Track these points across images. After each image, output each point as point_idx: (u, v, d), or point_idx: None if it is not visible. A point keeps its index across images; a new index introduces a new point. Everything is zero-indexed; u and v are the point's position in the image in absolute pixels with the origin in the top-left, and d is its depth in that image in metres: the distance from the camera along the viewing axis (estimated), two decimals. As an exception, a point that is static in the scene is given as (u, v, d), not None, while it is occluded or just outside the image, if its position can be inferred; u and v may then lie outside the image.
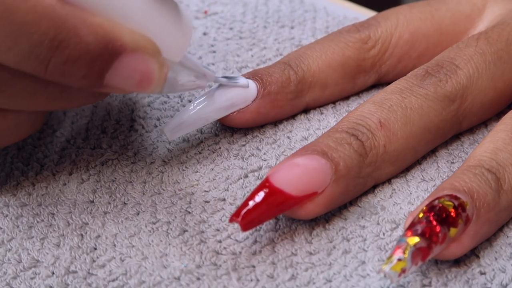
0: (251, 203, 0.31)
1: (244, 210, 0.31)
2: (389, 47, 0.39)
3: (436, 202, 0.30)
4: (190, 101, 0.40)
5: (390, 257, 0.29)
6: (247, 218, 0.31)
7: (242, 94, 0.37)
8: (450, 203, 0.30)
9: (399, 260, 0.29)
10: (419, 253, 0.29)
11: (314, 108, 0.39)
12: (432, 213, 0.30)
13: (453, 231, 0.30)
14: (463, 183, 0.31)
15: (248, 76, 0.37)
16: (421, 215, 0.30)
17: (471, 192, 0.31)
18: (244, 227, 0.31)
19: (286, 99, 0.38)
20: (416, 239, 0.29)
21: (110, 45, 0.29)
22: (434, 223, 0.30)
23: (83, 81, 0.30)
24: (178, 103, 0.40)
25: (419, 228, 0.30)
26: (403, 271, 0.29)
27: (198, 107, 0.36)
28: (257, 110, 0.37)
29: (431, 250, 0.29)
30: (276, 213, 0.32)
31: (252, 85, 0.37)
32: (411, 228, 0.30)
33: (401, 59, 0.40)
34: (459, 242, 0.30)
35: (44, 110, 0.33)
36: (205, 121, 0.37)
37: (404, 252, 0.29)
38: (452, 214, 0.30)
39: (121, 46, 0.29)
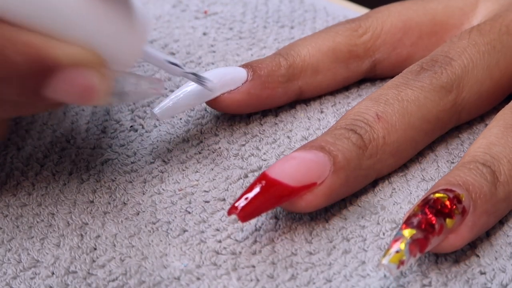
0: (249, 195, 0.31)
1: (242, 202, 0.31)
2: (381, 34, 0.40)
3: (431, 196, 0.31)
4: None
5: (387, 250, 0.29)
6: (246, 210, 0.31)
7: (232, 75, 0.37)
8: (445, 196, 0.30)
9: (397, 252, 0.29)
10: (416, 244, 0.29)
11: (310, 95, 0.40)
12: (427, 206, 0.30)
13: (449, 222, 0.30)
14: (458, 178, 0.31)
15: (240, 66, 0.38)
16: (416, 209, 0.30)
17: (466, 185, 0.31)
18: (243, 219, 0.31)
19: (277, 82, 0.38)
20: (412, 231, 0.29)
21: (41, 64, 0.28)
22: (430, 215, 0.30)
23: (19, 97, 0.29)
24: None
25: (415, 220, 0.30)
26: (402, 262, 0.29)
27: (188, 88, 0.36)
28: (247, 91, 0.37)
29: (428, 241, 0.30)
30: (275, 204, 0.32)
31: (243, 71, 0.38)
32: (406, 222, 0.30)
33: (395, 46, 0.40)
34: (457, 233, 0.30)
35: (3, 118, 0.33)
36: (196, 102, 0.37)
37: (400, 245, 0.29)
38: (447, 205, 0.30)
39: (54, 63, 0.29)
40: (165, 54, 0.36)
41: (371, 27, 0.40)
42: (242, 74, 0.37)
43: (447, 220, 0.30)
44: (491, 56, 0.37)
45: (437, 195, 0.31)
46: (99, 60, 0.30)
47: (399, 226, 0.32)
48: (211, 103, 0.37)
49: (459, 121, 0.37)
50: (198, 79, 0.36)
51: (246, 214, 0.31)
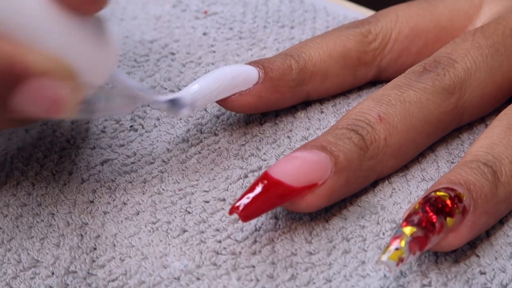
0: (250, 195, 0.31)
1: (244, 202, 0.31)
2: (389, 41, 0.40)
3: (432, 194, 0.31)
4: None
5: (387, 247, 0.29)
6: (247, 210, 0.31)
7: (244, 75, 0.37)
8: (446, 194, 0.30)
9: (397, 249, 0.29)
10: (416, 242, 0.29)
11: (316, 101, 0.39)
12: (428, 204, 0.30)
13: (450, 221, 0.30)
14: (459, 177, 0.31)
15: (249, 63, 0.38)
16: (417, 206, 0.30)
17: (468, 184, 0.31)
18: (244, 218, 0.31)
19: (287, 86, 0.38)
20: (412, 229, 0.29)
21: (11, 70, 0.28)
22: (430, 213, 0.30)
23: None
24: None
25: (415, 218, 0.30)
26: (401, 260, 0.29)
27: (199, 87, 0.36)
28: (258, 94, 0.37)
29: (428, 240, 0.30)
30: (276, 204, 0.32)
31: (254, 72, 0.37)
32: (407, 219, 0.30)
33: (401, 54, 0.40)
34: (457, 233, 0.31)
35: None
36: (206, 102, 0.36)
37: (401, 242, 0.29)
38: (448, 204, 0.30)
39: (24, 70, 0.28)
40: (136, 81, 0.35)
41: (381, 34, 0.39)
42: (253, 75, 0.37)
43: (448, 219, 0.30)
44: (494, 59, 0.37)
45: (438, 193, 0.31)
46: (70, 72, 0.29)
47: (399, 224, 0.32)
48: (221, 102, 0.37)
49: (460, 123, 0.37)
50: (173, 107, 0.34)
51: (247, 213, 0.31)
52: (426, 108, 0.35)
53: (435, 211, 0.30)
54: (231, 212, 0.31)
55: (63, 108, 0.28)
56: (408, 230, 0.30)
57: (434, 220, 0.30)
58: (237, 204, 0.31)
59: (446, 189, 0.31)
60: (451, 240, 0.30)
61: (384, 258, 0.29)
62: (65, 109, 0.28)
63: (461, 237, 0.31)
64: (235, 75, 0.36)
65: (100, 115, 0.30)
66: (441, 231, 0.30)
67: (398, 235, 0.29)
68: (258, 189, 0.31)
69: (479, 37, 0.37)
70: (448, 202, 0.30)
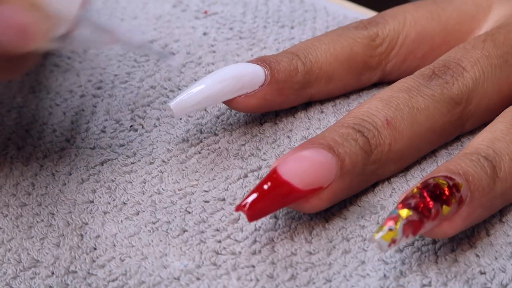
0: (258, 194, 0.31)
1: (251, 200, 0.31)
2: (395, 45, 0.39)
3: (431, 180, 0.31)
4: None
5: (381, 226, 0.29)
6: (254, 208, 0.31)
7: (250, 76, 0.37)
8: (445, 182, 0.31)
9: (390, 230, 0.29)
10: (410, 225, 0.29)
11: (316, 101, 0.39)
12: (426, 189, 0.30)
13: (446, 209, 0.30)
14: (458, 167, 0.31)
15: (256, 61, 0.37)
16: (415, 190, 0.30)
17: (466, 175, 0.31)
18: (250, 218, 0.31)
19: (292, 89, 0.38)
20: (408, 212, 0.30)
21: None
22: (428, 198, 0.30)
23: None
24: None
25: (412, 202, 0.30)
26: (394, 241, 0.29)
27: (205, 87, 0.36)
28: (263, 96, 0.37)
29: (422, 224, 0.30)
30: (282, 205, 0.32)
31: (260, 73, 0.37)
32: (404, 202, 0.30)
33: (406, 58, 0.40)
34: (451, 222, 0.31)
35: None
36: (212, 101, 0.36)
37: (395, 223, 0.29)
38: (446, 192, 0.30)
39: None
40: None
41: (388, 38, 0.39)
42: (260, 76, 0.37)
43: (444, 207, 0.30)
44: (502, 70, 0.36)
45: (438, 181, 0.31)
46: (38, 1, 0.29)
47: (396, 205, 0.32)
48: (225, 102, 0.37)
49: (463, 131, 0.37)
50: (146, 46, 0.34)
51: (253, 212, 0.31)
52: (432, 116, 0.35)
53: (432, 197, 0.30)
54: (237, 210, 0.31)
55: (32, 36, 0.28)
56: (404, 212, 0.30)
57: (431, 206, 0.30)
58: (244, 203, 0.31)
59: (445, 177, 0.31)
60: (445, 228, 0.31)
61: (377, 237, 0.29)
62: (35, 38, 0.28)
63: (455, 227, 0.31)
64: (241, 76, 0.36)
65: (83, 48, 0.30)
66: (436, 218, 0.30)
67: (393, 216, 0.30)
68: (266, 187, 0.31)
69: (489, 46, 0.37)
70: (446, 190, 0.30)
